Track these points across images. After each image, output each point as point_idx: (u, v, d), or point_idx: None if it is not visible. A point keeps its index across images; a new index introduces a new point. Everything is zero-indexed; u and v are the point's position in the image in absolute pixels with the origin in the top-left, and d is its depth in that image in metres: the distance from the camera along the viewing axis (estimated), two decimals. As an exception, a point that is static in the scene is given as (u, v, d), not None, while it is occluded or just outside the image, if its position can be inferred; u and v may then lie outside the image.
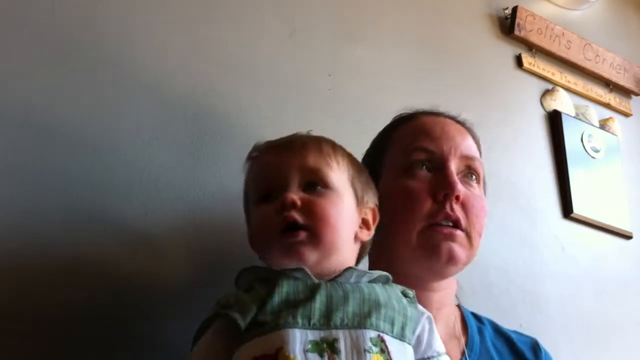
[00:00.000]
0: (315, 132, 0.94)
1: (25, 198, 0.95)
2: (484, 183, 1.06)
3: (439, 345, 0.82)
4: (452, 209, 0.95)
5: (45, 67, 1.03)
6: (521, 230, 1.55)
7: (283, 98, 1.27)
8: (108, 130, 1.05)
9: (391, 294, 0.81)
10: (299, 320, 0.72)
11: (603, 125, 1.87)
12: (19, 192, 0.95)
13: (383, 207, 0.93)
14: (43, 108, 1.01)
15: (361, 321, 0.74)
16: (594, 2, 2.02)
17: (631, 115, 1.98)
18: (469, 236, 0.97)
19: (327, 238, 0.81)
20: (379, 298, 0.78)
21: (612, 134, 1.87)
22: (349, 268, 0.81)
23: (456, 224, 0.96)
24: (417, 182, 0.97)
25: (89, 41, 1.08)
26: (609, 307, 1.62)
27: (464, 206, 0.97)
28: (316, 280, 0.78)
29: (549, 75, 1.80)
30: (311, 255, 0.80)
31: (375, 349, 0.72)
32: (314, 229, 0.80)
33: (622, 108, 1.96)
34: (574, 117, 1.79)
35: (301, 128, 0.92)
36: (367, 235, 0.89)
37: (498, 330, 1.10)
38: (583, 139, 1.77)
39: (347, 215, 0.85)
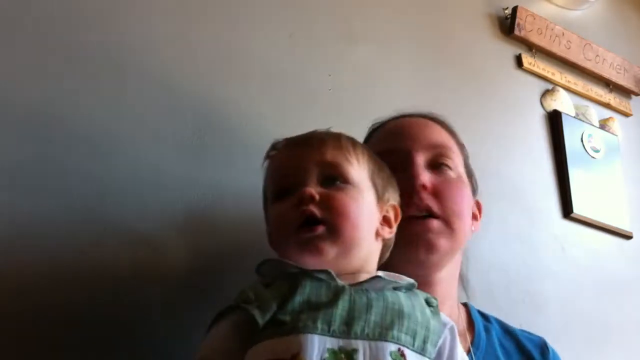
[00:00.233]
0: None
1: (25, 198, 0.95)
2: (468, 167, 1.06)
3: (460, 357, 0.79)
4: (420, 199, 0.95)
5: (45, 67, 1.03)
6: (521, 230, 1.55)
7: (283, 98, 1.27)
8: (108, 130, 1.05)
9: (415, 304, 0.78)
10: (319, 326, 0.70)
11: (603, 125, 1.87)
12: (19, 192, 0.94)
13: None
14: (43, 108, 1.00)
15: (382, 332, 0.72)
16: (594, 2, 2.02)
17: (631, 115, 1.98)
18: (446, 221, 0.96)
19: (346, 233, 0.78)
20: (403, 308, 0.75)
21: (612, 134, 1.87)
22: (377, 277, 0.79)
23: (430, 213, 0.96)
24: None
25: (89, 41, 1.08)
26: (609, 307, 1.62)
27: (435, 193, 0.97)
28: (340, 283, 0.75)
29: (549, 75, 1.80)
30: (330, 251, 0.78)
31: None
32: (332, 223, 0.78)
33: (622, 108, 1.96)
34: (574, 117, 1.79)
35: (301, 128, 0.91)
36: (388, 233, 0.87)
37: (505, 329, 1.10)
38: (583, 139, 1.76)
39: (368, 210, 0.83)
